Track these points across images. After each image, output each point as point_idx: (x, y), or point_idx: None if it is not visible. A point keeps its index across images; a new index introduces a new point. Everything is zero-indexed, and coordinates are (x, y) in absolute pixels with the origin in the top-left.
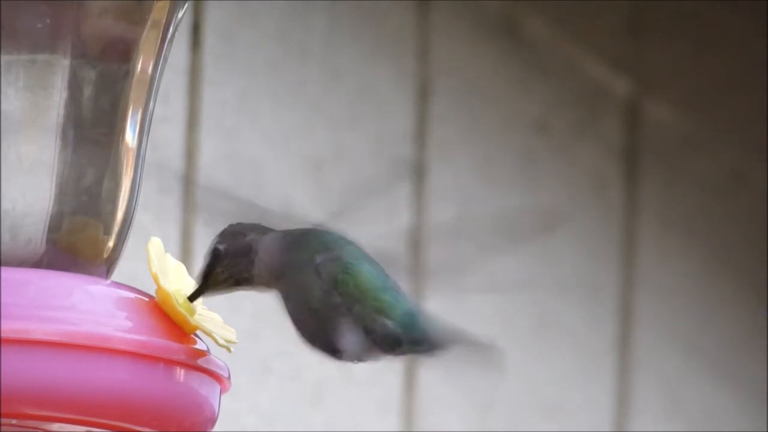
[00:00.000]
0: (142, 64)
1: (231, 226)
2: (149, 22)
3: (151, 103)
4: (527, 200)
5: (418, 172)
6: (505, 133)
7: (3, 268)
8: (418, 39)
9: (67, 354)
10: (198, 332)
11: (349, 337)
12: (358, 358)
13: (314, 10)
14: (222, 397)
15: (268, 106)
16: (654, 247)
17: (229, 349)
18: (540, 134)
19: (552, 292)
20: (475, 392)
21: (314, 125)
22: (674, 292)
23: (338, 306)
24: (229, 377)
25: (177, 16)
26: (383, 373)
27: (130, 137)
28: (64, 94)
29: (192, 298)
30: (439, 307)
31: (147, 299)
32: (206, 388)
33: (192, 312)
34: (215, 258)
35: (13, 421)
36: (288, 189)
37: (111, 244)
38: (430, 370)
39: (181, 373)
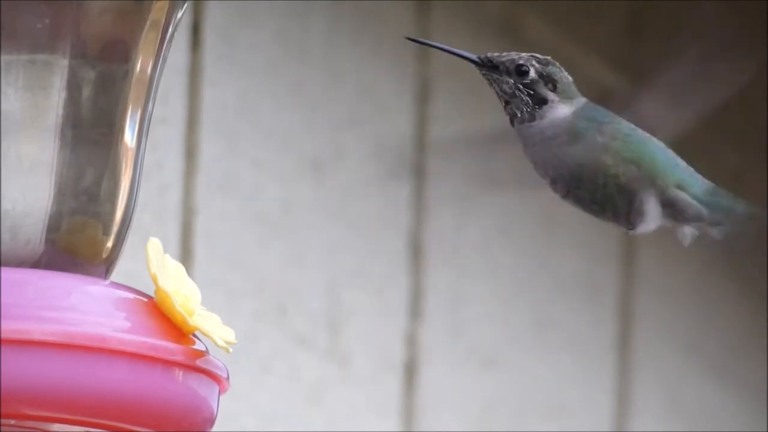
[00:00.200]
0: (141, 64)
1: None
2: (148, 22)
3: (151, 103)
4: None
5: (418, 172)
6: (505, 133)
7: (2, 269)
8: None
9: (66, 354)
10: (197, 333)
11: (651, 208)
12: (650, 228)
13: (314, 10)
14: (221, 397)
15: (268, 106)
16: (654, 247)
17: (227, 350)
18: None
19: (552, 291)
20: (475, 392)
21: (314, 125)
22: (674, 292)
23: (640, 178)
24: (227, 378)
25: (176, 16)
26: (383, 373)
27: (130, 137)
28: (64, 95)
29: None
30: (439, 305)
31: (146, 300)
32: (205, 389)
33: (191, 312)
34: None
35: (12, 422)
36: (288, 189)
37: (110, 244)
38: (431, 370)
39: (179, 374)
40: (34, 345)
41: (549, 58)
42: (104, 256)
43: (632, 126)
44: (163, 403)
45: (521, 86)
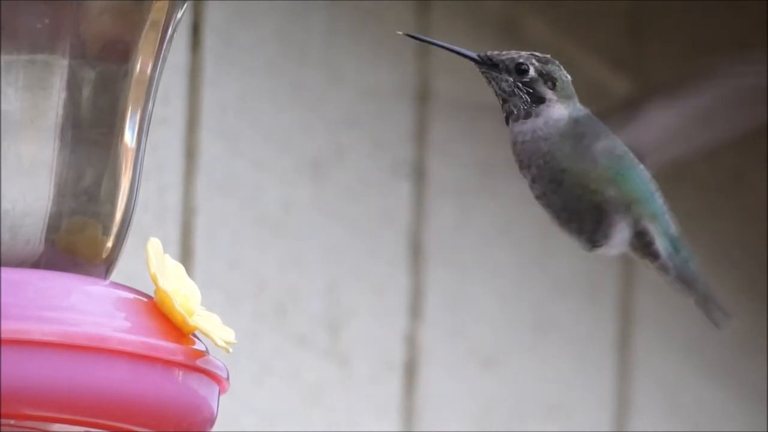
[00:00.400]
0: (141, 64)
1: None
2: (148, 23)
3: (151, 104)
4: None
5: (418, 172)
6: (505, 133)
7: (2, 269)
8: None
9: (66, 354)
10: (197, 333)
11: (619, 233)
12: (610, 252)
13: (314, 10)
14: (221, 397)
15: (268, 106)
16: None
17: (227, 350)
18: None
19: (552, 292)
20: (475, 392)
21: (314, 125)
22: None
23: (617, 201)
24: (227, 378)
25: (176, 17)
26: (383, 373)
27: (130, 137)
28: (64, 95)
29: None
30: (439, 305)
31: (146, 300)
32: (205, 389)
33: (191, 312)
34: (495, 63)
35: (12, 422)
36: (288, 189)
37: (110, 244)
38: (431, 370)
39: (179, 374)
40: (34, 345)
41: (548, 56)
42: (104, 256)
43: (626, 149)
44: (162, 403)
45: (520, 84)
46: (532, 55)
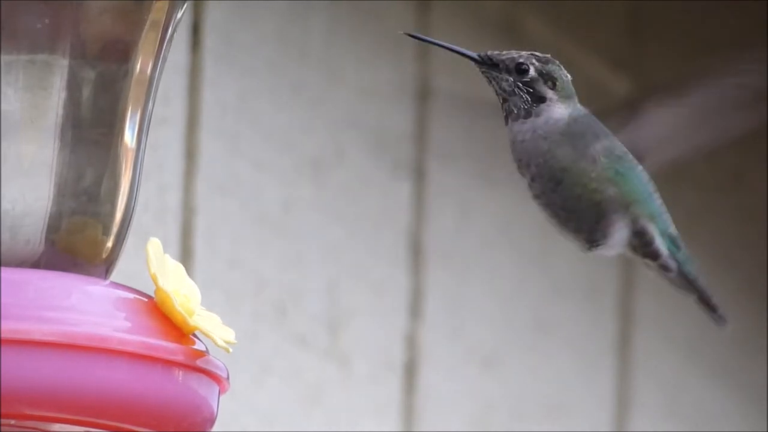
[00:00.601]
0: (141, 64)
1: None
2: (148, 23)
3: (151, 104)
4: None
5: (418, 172)
6: (505, 133)
7: (2, 269)
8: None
9: (66, 354)
10: (197, 333)
11: (618, 232)
12: (608, 252)
13: (314, 10)
14: (221, 397)
15: (268, 106)
16: None
17: (227, 350)
18: None
19: (552, 292)
20: (475, 392)
21: (314, 125)
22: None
23: (617, 201)
24: (227, 378)
25: (176, 17)
26: (383, 373)
27: (130, 137)
28: (64, 95)
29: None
30: (439, 305)
31: (146, 300)
32: (205, 389)
33: (191, 312)
34: (495, 62)
35: (12, 422)
36: (288, 189)
37: (110, 244)
38: (431, 370)
39: (179, 374)
40: (34, 345)
41: (548, 56)
42: (104, 256)
43: (625, 149)
44: (163, 403)
45: (520, 84)
46: (532, 54)
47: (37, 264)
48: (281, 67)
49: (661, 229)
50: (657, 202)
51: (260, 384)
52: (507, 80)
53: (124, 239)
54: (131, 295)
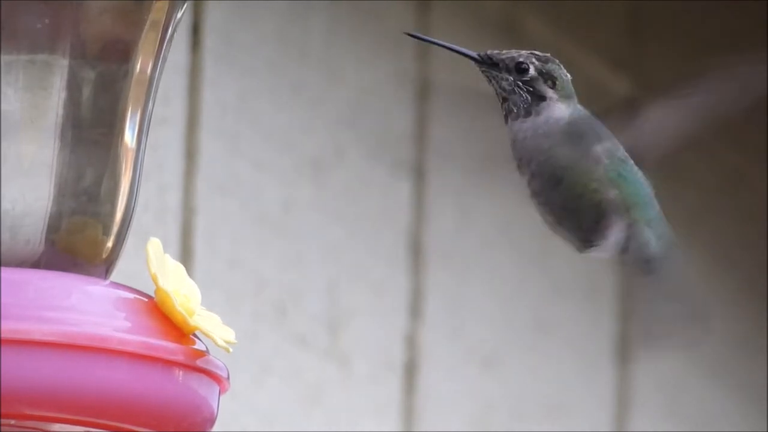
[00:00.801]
0: (141, 64)
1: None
2: (148, 23)
3: (151, 104)
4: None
5: (418, 172)
6: (505, 133)
7: (2, 269)
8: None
9: (66, 354)
10: (197, 333)
11: (616, 235)
12: (604, 254)
13: (314, 10)
14: (221, 397)
15: (268, 106)
16: None
17: (228, 350)
18: None
19: (552, 292)
20: (475, 392)
21: (314, 125)
22: None
23: (617, 204)
24: (228, 377)
25: (176, 17)
26: (383, 373)
27: (130, 137)
28: (64, 95)
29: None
30: (439, 305)
31: (146, 300)
32: (205, 389)
33: (191, 312)
34: (495, 62)
35: (12, 422)
36: (288, 189)
37: (110, 244)
38: (431, 370)
39: (179, 374)
40: (34, 345)
41: (548, 55)
42: (104, 256)
43: (626, 153)
44: (163, 403)
45: (520, 83)
46: (532, 54)
47: (37, 264)
48: (281, 67)
49: (657, 236)
50: (655, 208)
51: (260, 384)
52: (507, 79)
53: (124, 239)
54: (131, 295)
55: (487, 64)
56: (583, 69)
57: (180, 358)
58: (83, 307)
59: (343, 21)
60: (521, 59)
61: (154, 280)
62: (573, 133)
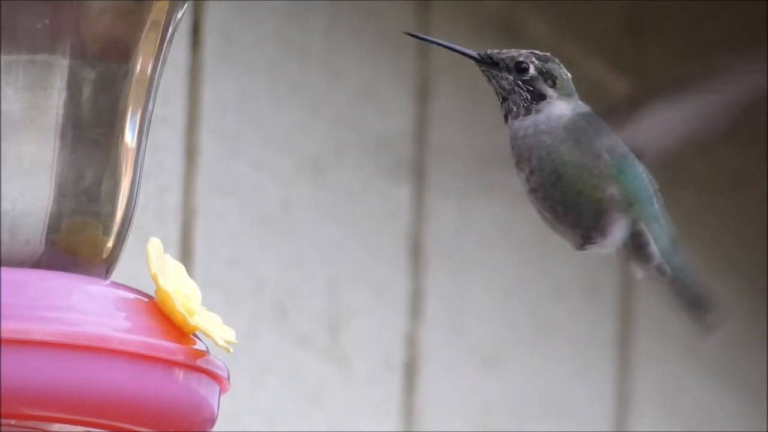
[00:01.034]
0: (141, 64)
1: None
2: (148, 23)
3: (151, 104)
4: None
5: (418, 172)
6: (505, 133)
7: (2, 269)
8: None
9: (67, 354)
10: (197, 332)
11: (617, 232)
12: (603, 251)
13: (314, 10)
14: (221, 397)
15: (268, 106)
16: None
17: (228, 350)
18: None
19: (552, 291)
20: (475, 392)
21: (314, 125)
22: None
23: (617, 200)
24: (228, 377)
25: (176, 17)
26: (383, 373)
27: (130, 137)
28: (64, 95)
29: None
30: (439, 305)
31: (146, 299)
32: (205, 389)
33: (191, 312)
34: (495, 61)
35: (12, 422)
36: (288, 189)
37: (110, 244)
38: (431, 370)
39: (180, 374)
40: (34, 345)
41: (548, 54)
42: (104, 256)
43: (627, 149)
44: (163, 403)
45: (520, 83)
46: (532, 53)
47: (37, 264)
48: (281, 67)
49: (658, 233)
50: (657, 205)
51: (260, 384)
52: (507, 79)
53: (124, 239)
54: (132, 295)
55: (487, 63)
56: (583, 69)
57: (180, 358)
58: (83, 307)
59: (343, 21)
60: (521, 58)
61: (155, 280)
62: (574, 129)
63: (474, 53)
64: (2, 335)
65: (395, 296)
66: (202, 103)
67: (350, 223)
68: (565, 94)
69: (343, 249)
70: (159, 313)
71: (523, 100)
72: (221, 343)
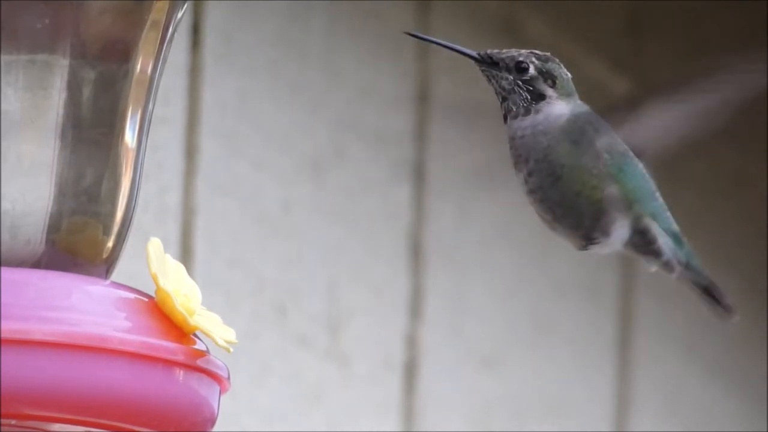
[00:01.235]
0: (141, 64)
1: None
2: (148, 23)
3: (151, 104)
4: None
5: (418, 172)
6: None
7: (2, 269)
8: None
9: (67, 354)
10: (197, 332)
11: (619, 231)
12: (606, 250)
13: (314, 10)
14: (222, 397)
15: (268, 106)
16: None
17: (228, 350)
18: None
19: (552, 291)
20: (475, 392)
21: (314, 125)
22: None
23: (618, 199)
24: (228, 377)
25: (176, 17)
26: (383, 373)
27: (130, 137)
28: (64, 95)
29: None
30: (440, 305)
31: (146, 299)
32: (205, 389)
33: (191, 312)
34: (495, 61)
35: (13, 422)
36: (288, 189)
37: (110, 244)
38: (431, 370)
39: (180, 374)
40: (34, 345)
41: (548, 54)
42: (105, 256)
43: (627, 147)
44: (163, 403)
45: (520, 82)
46: (531, 53)
47: (37, 264)
48: (281, 67)
49: (663, 228)
50: (659, 201)
51: (260, 384)
52: (507, 78)
53: (124, 239)
54: (132, 295)
55: (487, 63)
56: (583, 69)
57: (180, 358)
58: (84, 307)
59: (343, 21)
60: (521, 58)
61: (155, 280)
62: (572, 129)
63: (474, 53)
64: (2, 335)
65: (395, 296)
66: (202, 103)
67: (350, 223)
68: (565, 94)
69: (343, 249)
70: (159, 313)
71: (523, 100)
72: (221, 343)
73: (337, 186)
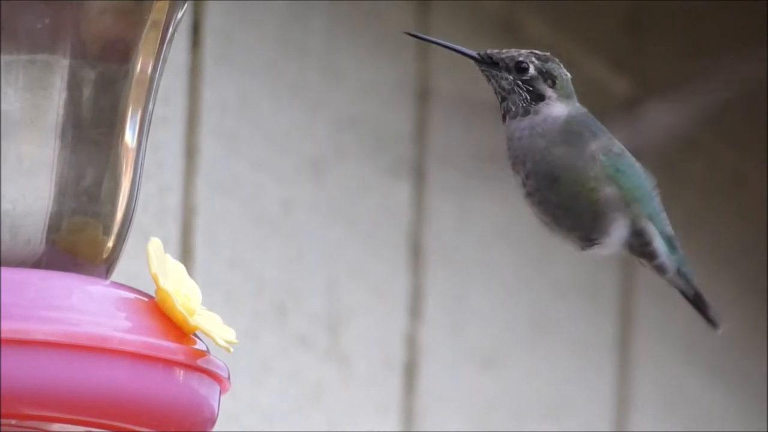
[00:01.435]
0: (141, 64)
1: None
2: (149, 23)
3: (151, 104)
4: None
5: (418, 172)
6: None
7: (3, 269)
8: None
9: (67, 354)
10: (198, 332)
11: (617, 231)
12: (604, 251)
13: (314, 10)
14: (222, 397)
15: (268, 106)
16: None
17: (228, 350)
18: None
19: (552, 291)
20: (475, 392)
21: (314, 125)
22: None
23: (615, 200)
24: (228, 377)
25: (176, 17)
26: (383, 373)
27: (130, 137)
28: (64, 95)
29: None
30: (439, 305)
31: (147, 299)
32: (206, 389)
33: (191, 312)
34: (495, 61)
35: (13, 422)
36: (288, 189)
37: (111, 244)
38: (431, 370)
39: (180, 374)
40: (34, 345)
41: (548, 54)
42: (105, 256)
43: (623, 148)
44: (164, 403)
45: (520, 83)
46: (531, 53)
47: (37, 264)
48: (281, 67)
49: (659, 230)
50: (656, 201)
51: (260, 384)
52: (506, 78)
53: (124, 239)
54: (132, 295)
55: (487, 63)
56: (583, 69)
57: (181, 357)
58: (84, 307)
59: (343, 21)
60: (521, 58)
61: (155, 280)
62: (569, 132)
63: (474, 53)
64: (2, 335)
65: (395, 296)
66: (202, 103)
67: (350, 223)
68: (565, 95)
69: (343, 249)
70: (159, 313)
71: (523, 100)
72: (221, 343)
73: (337, 186)
